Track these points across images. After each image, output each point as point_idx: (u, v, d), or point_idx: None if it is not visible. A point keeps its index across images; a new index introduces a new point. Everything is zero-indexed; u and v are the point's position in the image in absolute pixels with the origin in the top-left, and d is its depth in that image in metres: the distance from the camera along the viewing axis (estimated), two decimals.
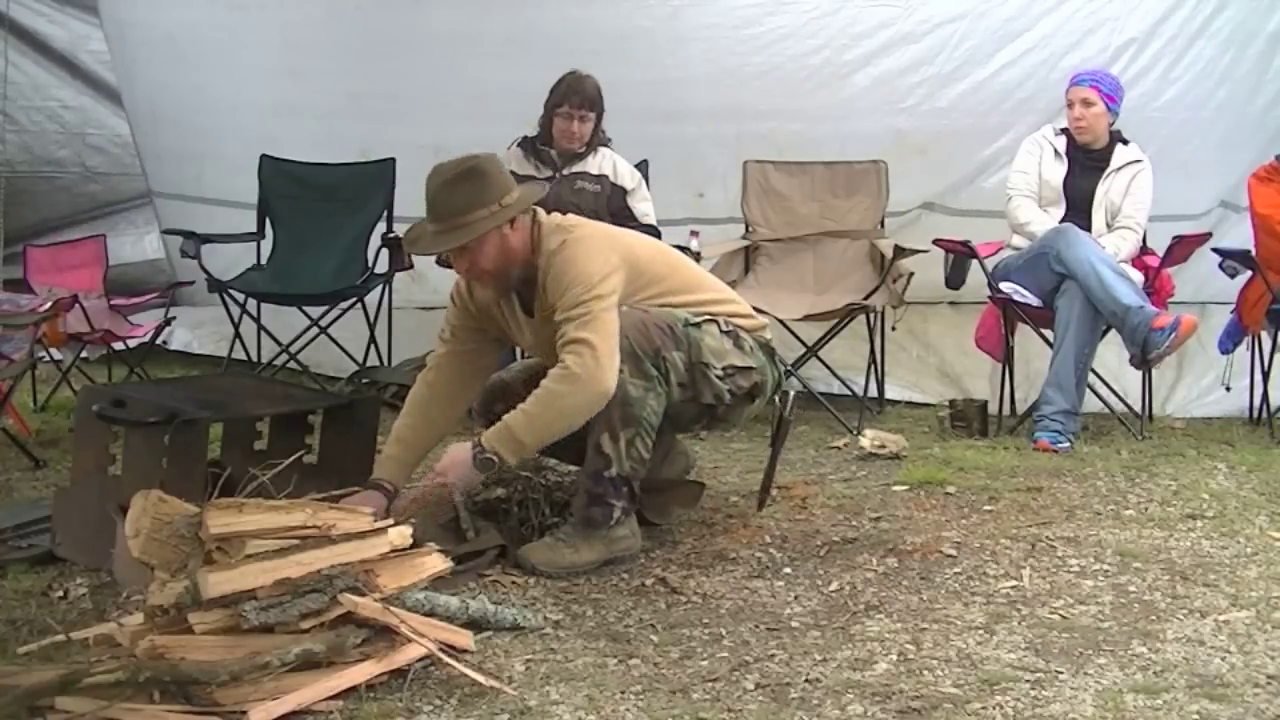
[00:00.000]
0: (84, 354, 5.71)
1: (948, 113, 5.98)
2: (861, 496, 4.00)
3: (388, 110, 6.16)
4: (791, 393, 3.66)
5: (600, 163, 5.27)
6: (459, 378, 3.50)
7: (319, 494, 2.78)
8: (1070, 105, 5.12)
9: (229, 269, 5.73)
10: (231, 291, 5.58)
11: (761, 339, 3.55)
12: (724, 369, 3.38)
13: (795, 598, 3.10)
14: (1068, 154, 5.14)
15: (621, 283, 3.29)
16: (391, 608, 2.54)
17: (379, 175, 5.84)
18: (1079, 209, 5.08)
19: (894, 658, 2.71)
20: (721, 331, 3.41)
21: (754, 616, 2.97)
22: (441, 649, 2.53)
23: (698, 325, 3.36)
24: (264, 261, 5.91)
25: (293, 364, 5.72)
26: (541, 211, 3.43)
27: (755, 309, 3.72)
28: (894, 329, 5.27)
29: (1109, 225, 5.07)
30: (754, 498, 3.92)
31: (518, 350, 4.21)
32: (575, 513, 3.35)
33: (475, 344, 3.51)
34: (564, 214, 5.12)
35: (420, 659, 2.54)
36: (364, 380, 5.53)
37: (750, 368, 3.44)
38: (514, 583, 3.18)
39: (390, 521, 2.73)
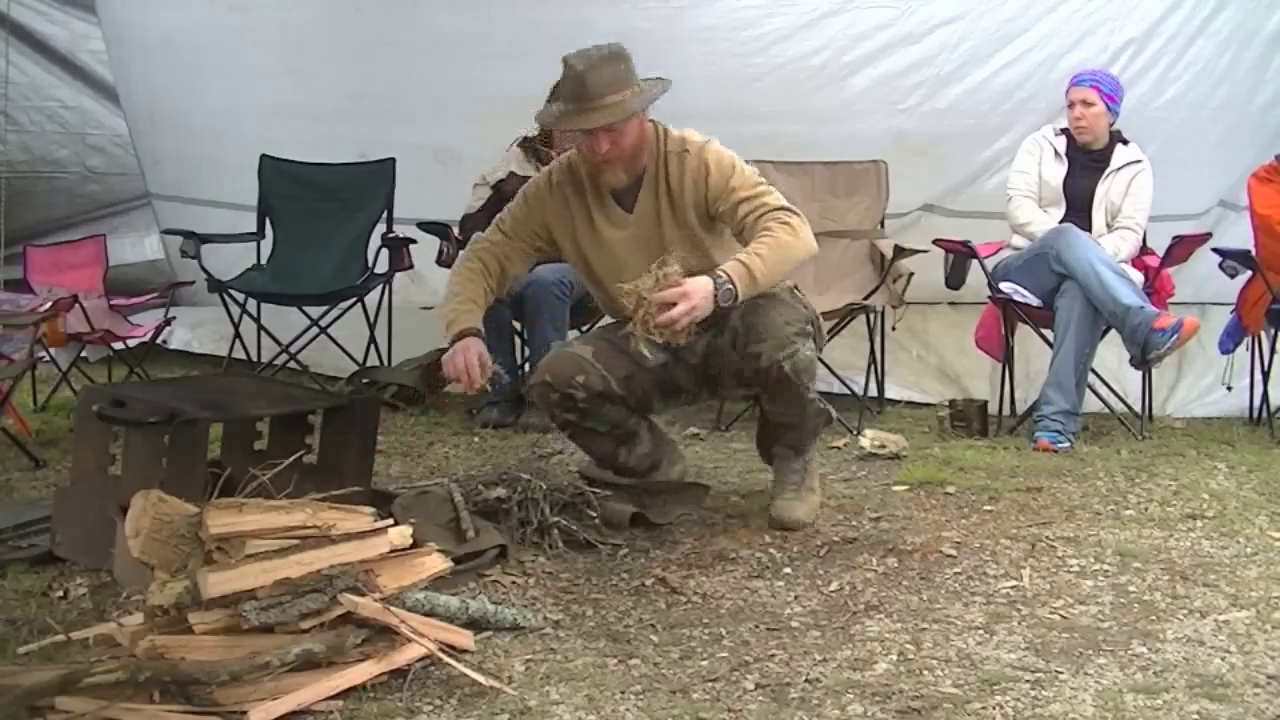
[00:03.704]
0: (84, 354, 5.71)
1: (947, 114, 5.97)
2: (861, 496, 4.00)
3: (388, 111, 6.16)
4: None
5: None
6: (498, 270, 3.64)
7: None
8: (1070, 105, 5.12)
9: (229, 269, 5.73)
10: (231, 291, 5.58)
11: None
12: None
13: (795, 598, 3.10)
14: (1068, 154, 5.14)
15: None
16: (391, 608, 2.54)
17: (379, 175, 5.85)
18: (1079, 209, 5.08)
19: (894, 658, 2.71)
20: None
21: (754, 616, 2.97)
22: (441, 649, 2.53)
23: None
24: (264, 261, 5.91)
25: (293, 364, 5.73)
26: None
27: None
28: (894, 329, 5.28)
29: (1109, 225, 5.07)
30: (754, 498, 3.93)
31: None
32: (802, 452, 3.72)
33: (523, 243, 3.65)
34: None
35: (420, 659, 2.54)
36: (364, 380, 5.53)
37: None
38: (514, 583, 3.18)
39: (390, 521, 2.73)
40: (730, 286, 3.27)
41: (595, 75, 3.39)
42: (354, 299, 5.66)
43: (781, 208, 3.42)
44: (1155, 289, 5.02)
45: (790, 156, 5.75)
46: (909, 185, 5.75)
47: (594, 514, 3.51)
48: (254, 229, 5.96)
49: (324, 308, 5.67)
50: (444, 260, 5.37)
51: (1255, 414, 5.19)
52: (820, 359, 5.20)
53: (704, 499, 3.82)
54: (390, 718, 2.41)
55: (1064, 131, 5.18)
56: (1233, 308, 5.24)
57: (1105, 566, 3.33)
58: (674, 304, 3.22)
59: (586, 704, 2.47)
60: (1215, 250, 5.11)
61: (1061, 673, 2.62)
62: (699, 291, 3.25)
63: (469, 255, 3.68)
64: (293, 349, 5.70)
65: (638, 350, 3.33)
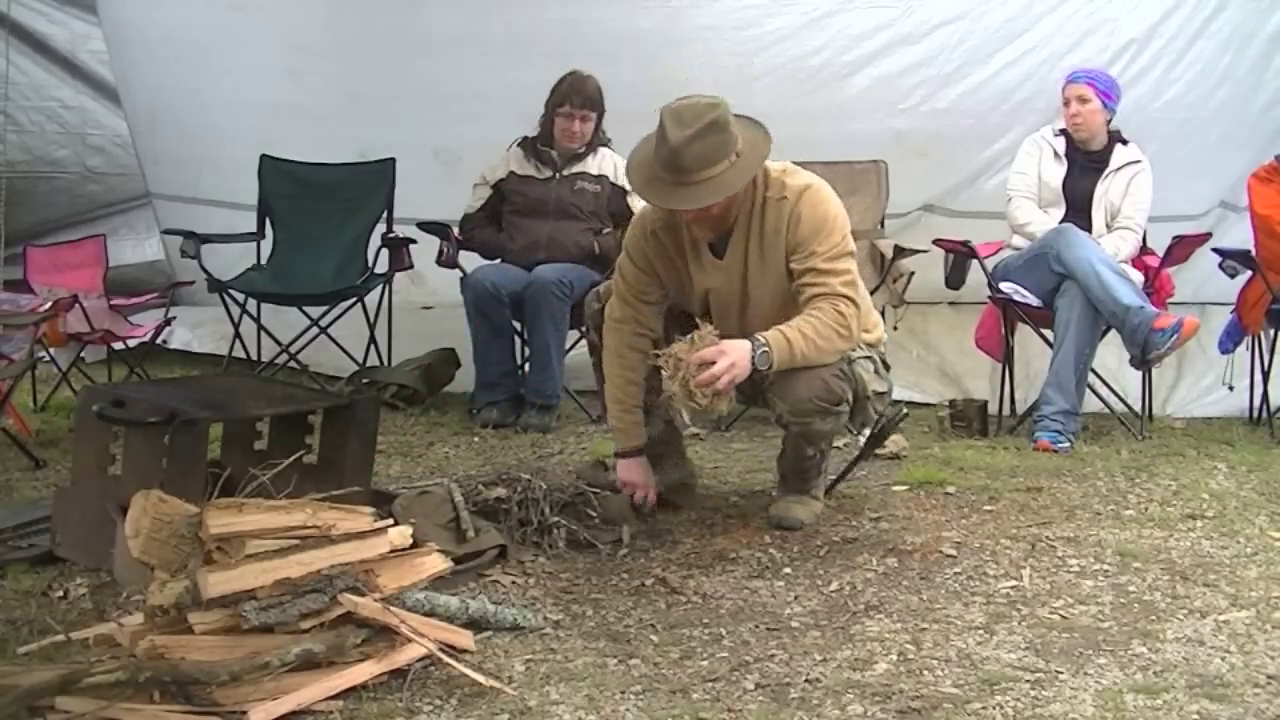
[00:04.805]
0: (84, 354, 5.71)
1: (947, 114, 5.98)
2: (861, 496, 4.00)
3: (388, 110, 6.16)
4: (905, 412, 3.97)
5: (600, 163, 5.29)
6: (646, 341, 3.57)
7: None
8: (1066, 103, 5.12)
9: (229, 269, 5.73)
10: (231, 291, 5.58)
11: (882, 353, 3.67)
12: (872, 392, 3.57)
13: (795, 598, 3.10)
14: (1067, 155, 5.14)
15: None
16: (391, 608, 2.54)
17: (379, 175, 5.84)
18: (1078, 209, 5.08)
19: (894, 658, 2.71)
20: (864, 358, 3.55)
21: (754, 616, 2.97)
22: (441, 649, 2.53)
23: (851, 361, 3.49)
24: (264, 261, 5.91)
25: (293, 364, 5.72)
26: None
27: None
28: (894, 329, 5.27)
29: (1109, 226, 5.07)
30: (754, 498, 3.95)
31: None
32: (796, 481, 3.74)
33: (650, 300, 3.59)
34: (565, 214, 5.24)
35: (420, 659, 2.54)
36: (364, 380, 5.52)
37: (884, 392, 3.62)
38: (514, 583, 3.18)
39: (390, 521, 2.73)
40: (767, 350, 3.24)
41: (691, 151, 3.27)
42: (354, 299, 5.66)
43: (844, 296, 3.34)
44: (1155, 289, 5.02)
45: (790, 156, 5.71)
46: (909, 185, 5.75)
47: (594, 514, 3.51)
48: (254, 229, 5.96)
49: (324, 308, 5.67)
50: (444, 260, 5.37)
51: (1255, 414, 5.19)
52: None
53: (693, 495, 3.86)
54: (390, 718, 2.41)
55: (1063, 132, 5.18)
56: (1233, 308, 5.24)
57: (1105, 566, 3.33)
58: (713, 363, 3.20)
59: (586, 704, 2.47)
60: (1215, 250, 5.11)
61: (1061, 673, 2.62)
62: (737, 351, 3.22)
63: (615, 342, 3.59)
64: (293, 349, 5.69)
65: (678, 415, 3.33)
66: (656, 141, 3.35)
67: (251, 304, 5.65)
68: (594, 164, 5.28)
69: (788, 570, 3.30)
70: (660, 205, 3.44)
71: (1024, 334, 5.16)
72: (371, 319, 5.69)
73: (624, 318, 3.59)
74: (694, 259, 3.53)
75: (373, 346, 5.73)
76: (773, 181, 3.46)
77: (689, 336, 3.32)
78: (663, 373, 3.29)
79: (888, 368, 3.70)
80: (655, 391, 3.41)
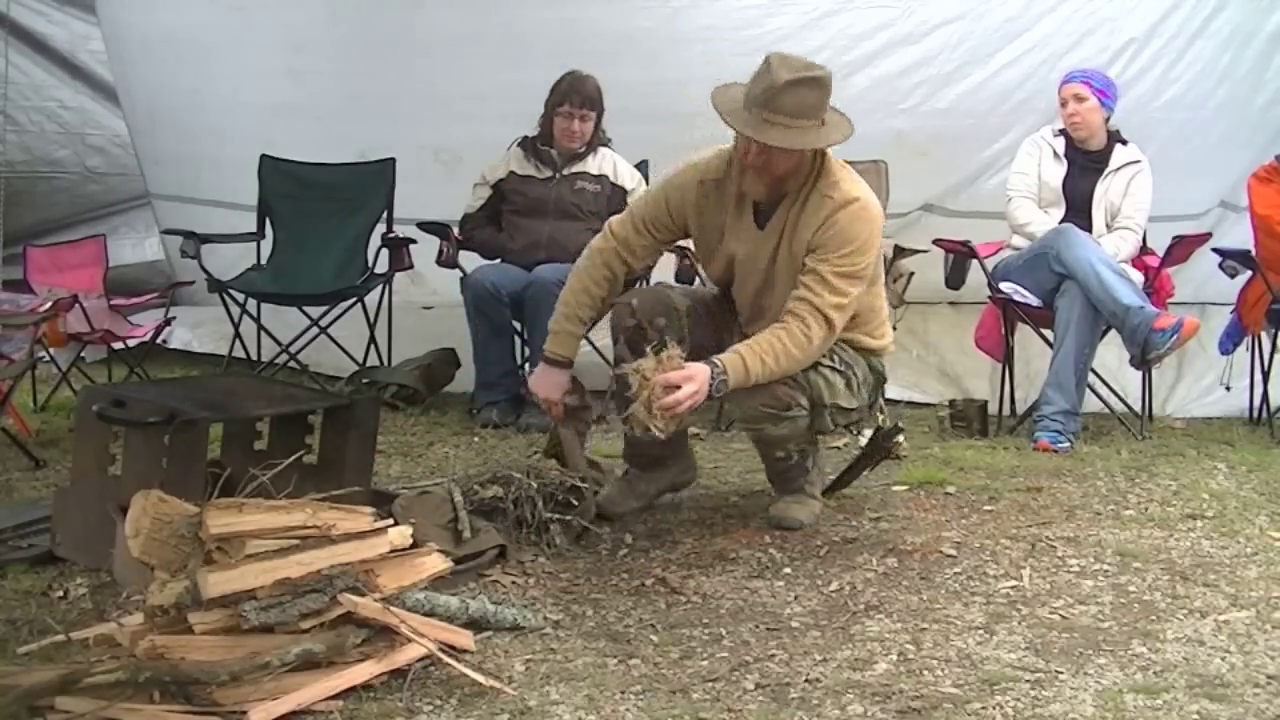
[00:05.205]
0: (84, 354, 5.71)
1: (947, 114, 5.98)
2: (861, 496, 4.00)
3: (388, 110, 6.16)
4: (900, 427, 3.92)
5: (600, 163, 5.28)
6: (623, 269, 3.64)
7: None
8: (1063, 103, 5.13)
9: (229, 269, 5.73)
10: (231, 291, 5.58)
11: (877, 366, 3.68)
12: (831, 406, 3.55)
13: (795, 598, 3.10)
14: (1066, 155, 5.14)
15: None
16: (391, 608, 2.54)
17: (379, 175, 5.85)
18: (1078, 210, 5.08)
19: (894, 658, 2.71)
20: (833, 370, 3.53)
21: (754, 616, 2.97)
22: (441, 649, 2.53)
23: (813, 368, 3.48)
24: (264, 261, 5.91)
25: (293, 364, 5.73)
26: None
27: None
28: (894, 329, 5.26)
29: (1109, 226, 5.07)
30: (754, 498, 3.94)
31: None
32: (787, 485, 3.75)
33: (656, 237, 3.65)
34: (565, 214, 5.23)
35: (420, 659, 2.54)
36: (364, 380, 5.52)
37: (851, 408, 3.60)
38: (514, 583, 3.18)
39: (390, 521, 2.73)
40: (725, 379, 3.26)
41: (790, 94, 3.28)
42: (354, 299, 5.66)
43: (825, 317, 3.35)
44: (1155, 289, 5.02)
45: None
46: (909, 185, 5.74)
47: (575, 502, 3.50)
48: (254, 229, 5.96)
49: (324, 308, 5.67)
50: (444, 260, 5.37)
51: (1255, 414, 5.19)
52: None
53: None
54: (390, 718, 2.41)
55: (1063, 132, 5.18)
56: (1233, 308, 5.24)
57: (1105, 566, 3.33)
58: (678, 387, 3.20)
59: (586, 704, 2.47)
60: (1215, 250, 5.11)
61: (1061, 673, 2.63)
62: (701, 378, 3.23)
63: (597, 255, 3.63)
64: (293, 349, 5.69)
65: (631, 432, 3.34)
66: (755, 79, 3.36)
67: (251, 304, 5.65)
68: (594, 164, 5.28)
69: (788, 570, 3.30)
70: (742, 131, 3.39)
71: (1024, 334, 5.16)
72: (371, 319, 5.69)
73: (619, 234, 3.64)
74: (734, 219, 3.54)
75: (373, 346, 5.73)
76: (827, 177, 3.45)
77: (655, 351, 3.29)
78: (628, 388, 3.27)
79: (882, 379, 3.70)
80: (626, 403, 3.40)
